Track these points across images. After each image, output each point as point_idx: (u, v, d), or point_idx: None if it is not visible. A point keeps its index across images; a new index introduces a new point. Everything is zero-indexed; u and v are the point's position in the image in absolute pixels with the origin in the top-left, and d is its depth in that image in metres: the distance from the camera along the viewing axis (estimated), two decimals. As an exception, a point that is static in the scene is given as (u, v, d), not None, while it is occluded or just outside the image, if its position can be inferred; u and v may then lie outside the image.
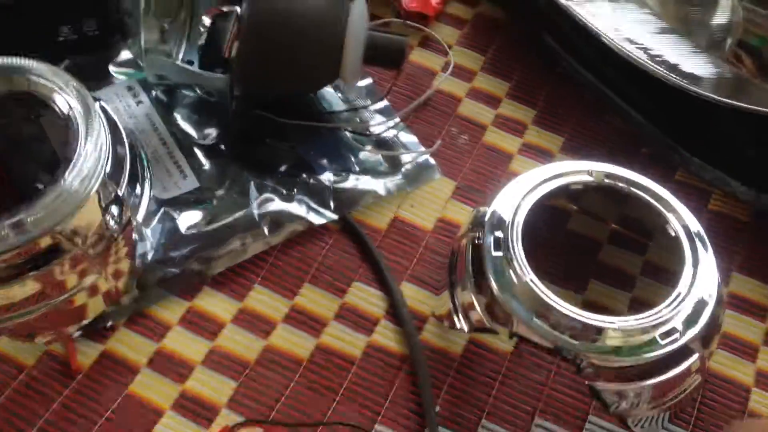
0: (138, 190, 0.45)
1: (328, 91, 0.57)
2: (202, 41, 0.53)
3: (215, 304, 0.47)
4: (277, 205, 0.50)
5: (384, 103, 0.57)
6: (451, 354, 0.46)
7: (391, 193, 0.53)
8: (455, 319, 0.44)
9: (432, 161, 0.55)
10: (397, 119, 0.56)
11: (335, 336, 0.46)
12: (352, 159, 0.53)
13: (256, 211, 0.49)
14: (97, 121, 0.39)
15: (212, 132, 0.53)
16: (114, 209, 0.40)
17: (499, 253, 0.41)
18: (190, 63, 0.53)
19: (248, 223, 0.49)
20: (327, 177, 0.52)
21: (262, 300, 0.47)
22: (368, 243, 0.50)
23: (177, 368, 0.44)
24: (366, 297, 0.48)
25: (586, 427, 0.44)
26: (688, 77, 0.51)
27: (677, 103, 0.52)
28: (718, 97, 0.49)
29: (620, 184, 0.45)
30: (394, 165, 0.54)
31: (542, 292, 0.40)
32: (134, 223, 0.42)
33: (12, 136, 0.46)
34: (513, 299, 0.40)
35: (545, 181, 0.45)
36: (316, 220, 0.50)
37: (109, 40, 0.54)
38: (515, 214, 0.43)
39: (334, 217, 0.51)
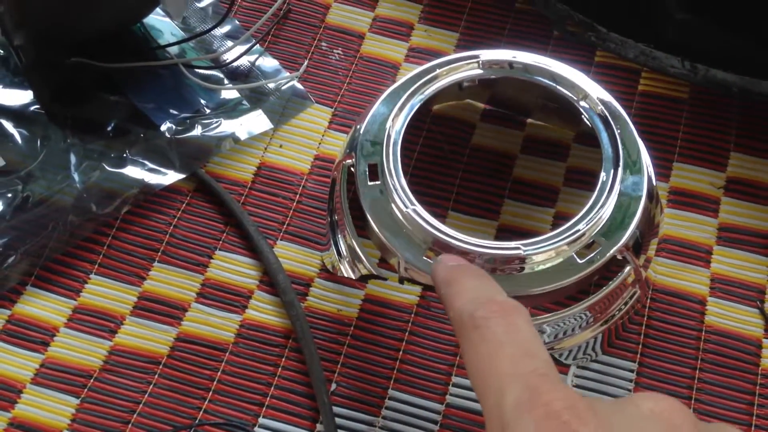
0: None
1: (160, 20, 0.50)
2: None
3: (43, 306, 0.41)
4: (106, 171, 0.44)
5: (232, 24, 0.51)
6: (345, 319, 0.41)
7: (254, 134, 0.47)
8: (341, 266, 0.40)
9: (301, 87, 0.49)
10: (251, 41, 0.50)
11: (199, 321, 0.41)
12: (201, 101, 0.48)
13: (79, 184, 0.43)
14: None
15: (22, 94, 0.47)
16: None
17: (376, 182, 0.37)
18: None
19: (72, 201, 0.43)
20: (168, 128, 0.46)
21: (102, 292, 0.42)
22: (228, 201, 0.44)
23: (1, 393, 0.39)
24: (233, 268, 0.43)
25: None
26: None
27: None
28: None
29: (518, 72, 0.40)
30: (256, 99, 0.48)
31: (428, 223, 0.35)
32: None
33: None
34: (395, 237, 0.36)
35: (425, 84, 0.40)
36: (158, 181, 0.45)
37: None
38: (389, 132, 0.38)
39: (181, 175, 0.45)
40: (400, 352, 0.41)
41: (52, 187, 0.44)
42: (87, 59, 0.46)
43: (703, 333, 0.41)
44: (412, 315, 0.42)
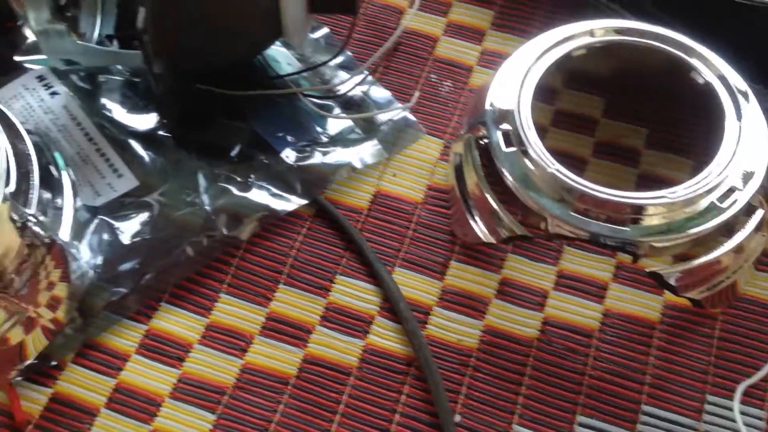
0: (59, 200, 0.40)
1: (278, 50, 0.52)
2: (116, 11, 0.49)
3: (177, 323, 0.43)
4: (233, 195, 0.46)
5: (345, 55, 0.53)
6: (465, 348, 0.43)
7: (368, 163, 0.49)
8: (478, 232, 0.42)
9: (412, 118, 0.51)
10: (364, 73, 0.52)
11: (324, 344, 0.43)
12: (317, 129, 0.50)
13: (208, 207, 0.45)
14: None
15: (150, 118, 0.49)
16: (31, 229, 0.36)
17: (513, 149, 0.40)
18: (112, 38, 0.49)
19: (203, 222, 0.45)
20: (289, 155, 0.48)
21: (232, 311, 0.44)
22: (348, 227, 0.46)
23: (142, 405, 0.41)
24: (354, 293, 0.45)
25: (641, 420, 0.41)
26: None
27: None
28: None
29: (634, 38, 0.44)
30: (368, 129, 0.50)
31: (572, 180, 0.39)
32: (59, 241, 0.38)
33: None
34: (540, 196, 0.39)
35: (541, 55, 0.43)
36: (282, 207, 0.46)
37: (7, 25, 0.49)
38: (519, 100, 0.41)
39: (303, 201, 0.47)
40: (523, 387, 0.42)
41: (182, 209, 0.45)
42: (212, 87, 0.48)
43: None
44: (533, 349, 0.43)
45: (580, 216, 0.39)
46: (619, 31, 0.45)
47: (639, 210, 0.39)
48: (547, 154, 0.40)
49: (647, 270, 0.40)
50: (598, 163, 0.49)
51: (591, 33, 0.44)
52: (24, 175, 0.37)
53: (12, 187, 0.35)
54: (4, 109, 0.39)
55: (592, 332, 0.43)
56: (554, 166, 0.39)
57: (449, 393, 0.42)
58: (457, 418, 0.41)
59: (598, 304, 0.44)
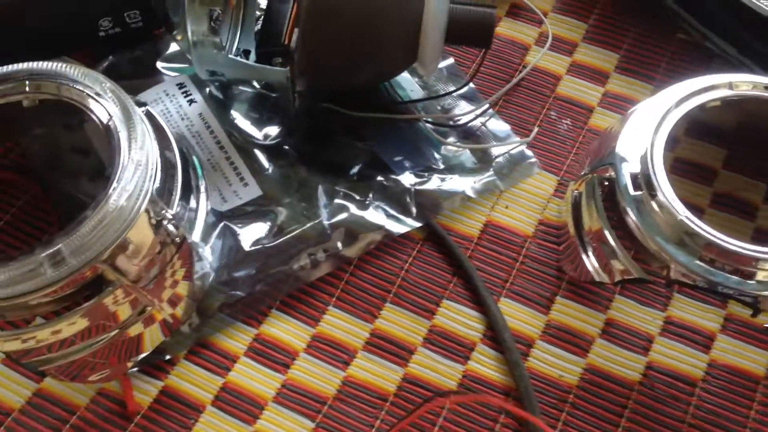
0: (192, 202, 0.43)
1: (403, 77, 0.54)
2: (258, 28, 0.51)
3: (285, 330, 0.45)
4: (350, 213, 0.47)
5: (469, 86, 0.54)
6: (565, 385, 0.43)
7: (482, 193, 0.50)
8: (591, 271, 0.42)
9: (529, 153, 0.51)
10: (486, 105, 0.53)
11: (425, 365, 0.44)
12: (435, 155, 0.51)
13: (326, 221, 0.47)
14: (141, 128, 0.38)
15: (275, 131, 0.51)
16: (166, 228, 0.38)
17: (640, 192, 0.40)
18: (247, 54, 0.51)
19: (319, 236, 0.47)
20: (407, 178, 0.49)
21: (338, 324, 0.45)
22: (458, 253, 0.47)
23: (246, 406, 0.43)
24: (459, 318, 0.45)
25: (735, 472, 0.40)
26: None
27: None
28: None
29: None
30: (484, 160, 0.51)
31: (700, 228, 0.38)
32: (190, 241, 0.41)
33: (50, 147, 0.45)
34: (666, 242, 0.39)
35: (679, 103, 0.43)
36: (397, 228, 0.47)
37: (155, 32, 0.53)
38: (652, 144, 0.41)
39: (417, 224, 0.48)
40: (620, 429, 0.42)
41: (301, 221, 0.47)
42: (337, 107, 0.50)
43: None
44: (633, 392, 0.43)
45: (704, 265, 0.38)
46: (765, 86, 0.43)
47: (765, 264, 0.38)
48: (677, 201, 0.39)
49: (765, 326, 0.39)
50: (714, 213, 0.48)
51: (730, 86, 0.43)
52: (169, 177, 0.40)
53: (157, 184, 0.38)
54: (156, 115, 0.42)
55: (696, 381, 0.43)
56: (683, 213, 0.39)
57: (548, 429, 0.42)
58: (553, 453, 0.41)
59: (704, 353, 0.43)
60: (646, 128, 0.42)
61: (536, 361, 0.44)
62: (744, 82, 0.43)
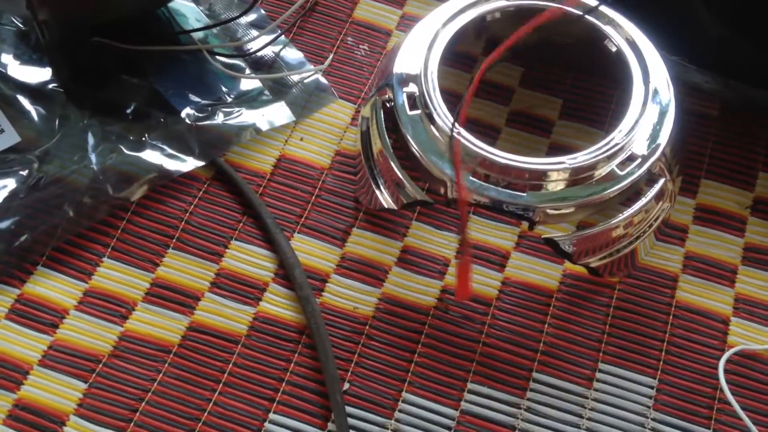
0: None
1: (184, 5, 0.50)
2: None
3: (53, 287, 0.41)
4: (123, 155, 0.43)
5: (258, 13, 0.50)
6: (360, 317, 0.41)
7: (275, 125, 0.46)
8: (381, 199, 0.41)
9: (324, 81, 0.48)
10: (277, 32, 0.49)
11: (212, 311, 0.41)
12: (223, 88, 0.47)
13: (96, 165, 0.43)
14: None
15: (41, 71, 0.46)
16: None
17: (417, 111, 0.39)
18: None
19: (89, 182, 0.42)
20: (189, 114, 0.45)
21: (115, 276, 0.41)
22: (247, 191, 0.44)
23: (7, 373, 0.39)
24: (249, 259, 0.42)
25: (530, 388, 0.39)
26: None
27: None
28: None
29: (547, 2, 0.42)
30: (277, 91, 0.48)
31: (474, 145, 0.38)
32: None
33: None
34: (441, 160, 0.38)
35: (451, 18, 0.42)
36: (176, 167, 0.44)
37: None
38: (426, 63, 0.40)
39: (200, 162, 0.44)
40: (416, 355, 0.40)
41: (67, 167, 0.43)
42: (110, 41, 0.46)
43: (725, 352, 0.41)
44: (429, 317, 0.41)
45: (479, 181, 0.38)
46: None
47: (538, 176, 0.37)
48: (451, 118, 0.38)
49: (543, 237, 0.38)
50: (510, 132, 0.47)
51: None
52: None
53: None
54: None
55: (491, 301, 0.41)
56: (455, 130, 0.37)
57: (341, 361, 0.40)
58: (346, 386, 0.39)
59: (499, 272, 0.42)
60: (422, 45, 0.40)
61: (330, 295, 0.42)
62: None
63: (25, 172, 0.42)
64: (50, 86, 0.46)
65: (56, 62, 0.46)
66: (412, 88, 0.40)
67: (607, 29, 0.42)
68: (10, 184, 0.42)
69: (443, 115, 0.38)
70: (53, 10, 0.41)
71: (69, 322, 0.40)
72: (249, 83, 0.48)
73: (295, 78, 0.49)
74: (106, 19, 0.45)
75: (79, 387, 0.38)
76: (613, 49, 0.41)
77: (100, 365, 0.39)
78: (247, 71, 0.48)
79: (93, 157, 0.43)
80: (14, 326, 0.40)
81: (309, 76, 0.49)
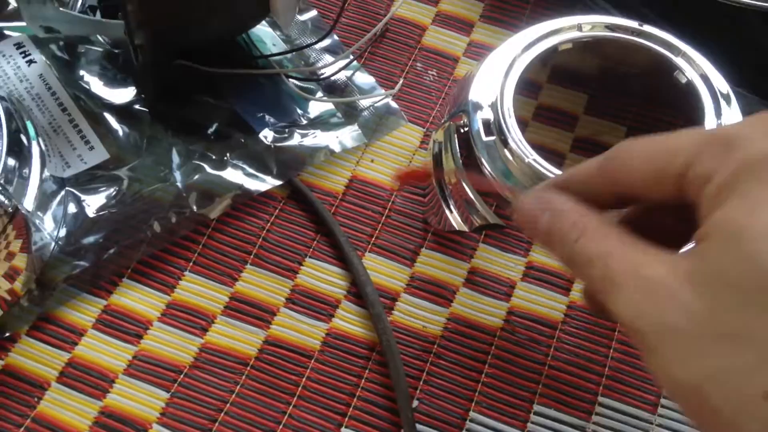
0: (26, 170, 0.40)
1: (263, 30, 0.51)
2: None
3: (137, 299, 0.42)
4: (206, 173, 0.45)
5: (332, 39, 0.52)
6: (429, 336, 0.42)
7: (347, 147, 0.48)
8: (451, 220, 0.41)
9: (394, 105, 0.50)
10: (350, 57, 0.51)
11: (287, 326, 0.42)
12: (298, 111, 0.49)
13: (180, 183, 0.44)
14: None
15: (126, 91, 0.48)
16: (-7, 197, 0.35)
17: (492, 138, 0.40)
18: (94, 9, 0.48)
19: (173, 199, 0.44)
20: (267, 135, 0.47)
21: (196, 290, 0.43)
22: (321, 210, 0.45)
23: (94, 380, 0.40)
24: (322, 276, 0.44)
25: (595, 411, 0.40)
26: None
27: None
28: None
29: (620, 35, 0.43)
30: (349, 114, 0.49)
31: (549, 171, 0.38)
32: (23, 211, 0.38)
33: None
34: (517, 186, 0.38)
35: (527, 48, 0.42)
36: (256, 187, 0.45)
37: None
38: (502, 90, 0.41)
39: (278, 182, 0.46)
40: (483, 375, 0.41)
41: (153, 184, 0.45)
42: (193, 63, 0.47)
43: None
44: (496, 338, 0.42)
45: None
46: (607, 26, 0.43)
47: None
48: (526, 145, 0.39)
49: None
50: (575, 158, 0.48)
51: (578, 27, 0.43)
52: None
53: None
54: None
55: (556, 324, 0.42)
56: (532, 157, 0.38)
57: (410, 378, 0.41)
58: (415, 403, 0.40)
59: (564, 296, 0.43)
60: (497, 74, 0.41)
61: (400, 314, 0.43)
62: (589, 24, 0.42)
63: (113, 188, 0.44)
64: (135, 106, 0.48)
65: (144, 83, 0.48)
66: (487, 114, 0.40)
67: (678, 61, 0.42)
68: (100, 199, 0.44)
69: (518, 141, 0.39)
70: (149, 36, 0.43)
71: (152, 333, 0.42)
72: (322, 106, 0.49)
73: (366, 102, 0.50)
74: (193, 44, 0.47)
75: (162, 396, 0.40)
76: (683, 80, 0.42)
77: (182, 375, 0.40)
78: (320, 95, 0.50)
79: (177, 175, 0.45)
80: (101, 336, 0.41)
81: (380, 100, 0.50)
